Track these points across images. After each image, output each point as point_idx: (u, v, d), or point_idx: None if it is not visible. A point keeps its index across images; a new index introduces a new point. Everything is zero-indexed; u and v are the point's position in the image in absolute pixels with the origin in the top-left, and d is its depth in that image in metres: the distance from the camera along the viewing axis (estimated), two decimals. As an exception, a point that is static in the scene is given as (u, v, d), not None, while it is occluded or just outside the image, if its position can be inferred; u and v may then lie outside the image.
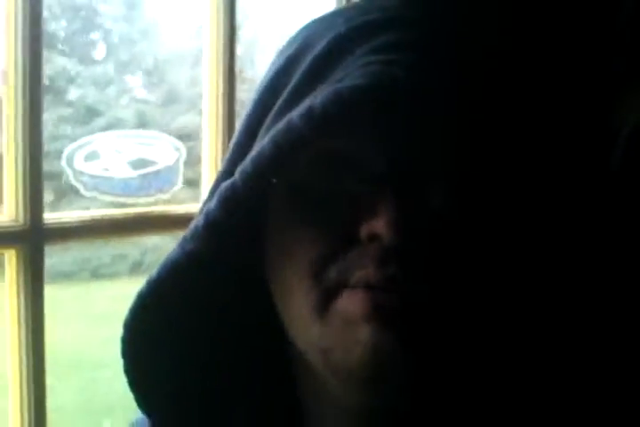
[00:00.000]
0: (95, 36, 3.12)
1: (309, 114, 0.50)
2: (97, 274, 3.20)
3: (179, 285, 0.57)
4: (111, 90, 3.24)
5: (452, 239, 0.53)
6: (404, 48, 0.53)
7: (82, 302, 3.23)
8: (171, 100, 3.24)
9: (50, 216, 1.46)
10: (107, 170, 1.56)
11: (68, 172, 1.53)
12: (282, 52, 0.59)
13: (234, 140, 0.59)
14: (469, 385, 0.58)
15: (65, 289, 3.36)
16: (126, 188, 1.57)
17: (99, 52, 3.15)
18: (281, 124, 0.52)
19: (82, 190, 1.53)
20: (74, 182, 1.52)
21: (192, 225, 0.56)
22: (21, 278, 1.43)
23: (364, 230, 0.51)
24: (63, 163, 1.52)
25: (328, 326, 0.53)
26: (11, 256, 1.43)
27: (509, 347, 0.59)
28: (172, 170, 1.61)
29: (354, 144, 0.53)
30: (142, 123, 3.18)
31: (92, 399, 2.93)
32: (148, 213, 1.58)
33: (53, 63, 3.15)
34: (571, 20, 1.89)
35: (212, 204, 0.54)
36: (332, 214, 0.53)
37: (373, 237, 0.51)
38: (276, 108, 0.55)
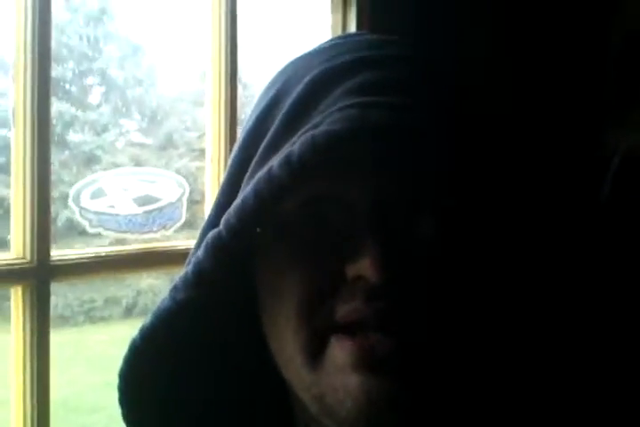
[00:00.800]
0: (91, 80, 3.16)
1: (287, 162, 0.51)
2: (90, 317, 3.18)
3: (172, 332, 0.57)
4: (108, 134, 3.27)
5: (441, 272, 0.53)
6: (380, 88, 0.53)
7: (76, 345, 3.21)
8: (167, 144, 3.27)
9: (56, 253, 1.47)
10: (112, 207, 1.58)
11: (75, 209, 1.54)
12: (262, 96, 0.60)
13: (221, 184, 0.60)
14: (466, 420, 0.58)
15: (59, 333, 3.34)
16: (130, 224, 1.58)
17: (94, 97, 3.18)
18: (262, 173, 0.52)
19: (87, 227, 1.55)
20: (80, 219, 1.53)
21: (182, 274, 0.56)
22: (27, 315, 1.43)
23: (350, 271, 0.51)
24: (70, 201, 1.53)
25: (319, 374, 0.52)
26: (17, 293, 1.43)
27: (505, 381, 0.59)
28: (175, 206, 1.62)
29: (337, 187, 0.53)
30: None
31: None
32: (153, 248, 1.59)
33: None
34: (560, 54, 1.94)
35: (201, 253, 0.54)
36: (320, 256, 0.53)
37: (359, 278, 0.51)
38: (257, 154, 0.56)
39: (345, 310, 0.51)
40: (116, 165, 3.22)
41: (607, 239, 1.60)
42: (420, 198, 0.53)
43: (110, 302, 3.26)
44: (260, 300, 0.57)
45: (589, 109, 1.90)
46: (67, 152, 3.12)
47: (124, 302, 3.43)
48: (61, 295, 3.26)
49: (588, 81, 1.87)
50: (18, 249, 1.44)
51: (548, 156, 1.78)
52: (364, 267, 0.50)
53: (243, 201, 0.52)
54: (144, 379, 0.57)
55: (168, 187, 1.64)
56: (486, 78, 1.71)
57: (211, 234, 0.54)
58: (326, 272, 0.52)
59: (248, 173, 0.56)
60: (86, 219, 1.56)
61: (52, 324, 3.23)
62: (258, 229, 0.55)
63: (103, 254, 1.52)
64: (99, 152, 3.21)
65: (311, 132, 0.51)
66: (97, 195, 1.57)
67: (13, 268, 1.42)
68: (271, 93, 0.58)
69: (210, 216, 0.58)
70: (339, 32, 1.80)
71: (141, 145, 3.22)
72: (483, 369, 0.58)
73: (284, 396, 0.60)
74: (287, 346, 0.54)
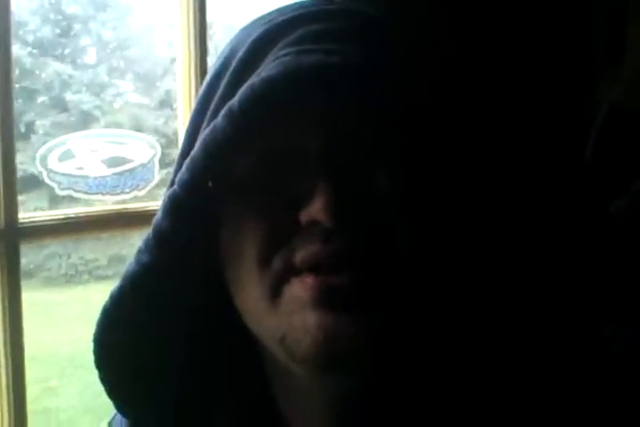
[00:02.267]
0: (86, 41, 3.15)
1: (229, 113, 0.51)
2: (95, 276, 3.22)
3: (140, 295, 0.57)
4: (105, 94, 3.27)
5: (395, 215, 0.53)
6: (317, 38, 0.54)
7: (81, 303, 3.26)
8: (164, 104, 3.27)
9: (24, 215, 1.48)
10: (81, 169, 1.58)
11: (42, 171, 1.55)
12: (214, 63, 0.61)
13: (180, 149, 0.60)
14: (428, 363, 0.58)
15: (64, 291, 3.39)
16: (101, 186, 1.59)
17: (90, 57, 3.18)
18: (209, 128, 0.53)
19: (56, 189, 1.56)
20: (48, 182, 1.54)
21: (145, 236, 0.56)
22: (-3, 277, 1.46)
23: (304, 217, 0.52)
24: (37, 163, 1.54)
25: (280, 315, 0.53)
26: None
27: (463, 323, 0.59)
28: (146, 167, 1.62)
29: (285, 136, 0.53)
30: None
31: (95, 400, 2.95)
32: (121, 210, 1.60)
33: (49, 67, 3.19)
34: (545, 6, 1.89)
35: (159, 213, 0.55)
36: (275, 206, 0.54)
37: (313, 223, 0.51)
38: (208, 113, 0.56)
39: (302, 254, 0.52)
40: (117, 125, 3.23)
41: (590, 197, 1.57)
42: (369, 141, 0.53)
43: (114, 260, 3.29)
44: (222, 257, 0.57)
45: (575, 63, 1.86)
46: (65, 113, 3.13)
47: (127, 261, 3.47)
48: (65, 255, 3.30)
49: (574, 34, 1.82)
50: (-13, 213, 1.45)
51: (527, 109, 1.75)
52: (315, 210, 0.51)
53: (192, 156, 0.53)
54: (117, 342, 0.58)
55: (139, 148, 1.64)
56: (462, 30, 1.68)
57: (167, 194, 0.54)
58: (283, 221, 0.53)
59: (200, 132, 0.56)
60: (55, 181, 1.57)
61: (56, 282, 3.28)
62: (210, 184, 0.55)
63: (72, 216, 1.53)
64: (97, 112, 3.22)
65: (249, 82, 0.52)
66: (65, 157, 1.57)
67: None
68: (221, 59, 0.59)
69: (171, 179, 0.58)
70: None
71: (139, 105, 3.22)
72: (440, 311, 0.58)
73: (255, 355, 0.60)
74: (250, 296, 0.55)
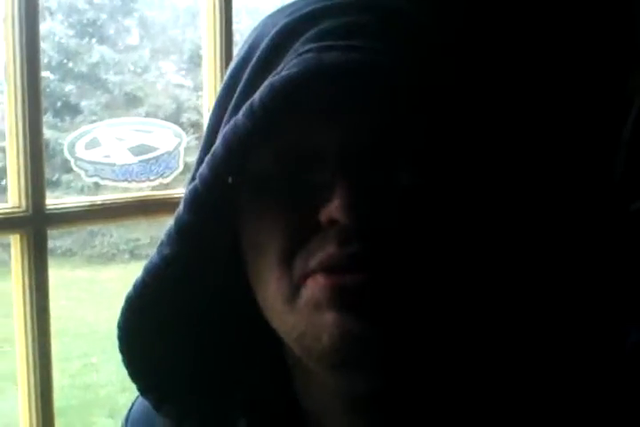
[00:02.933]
0: (130, 22, 3.18)
1: (250, 110, 0.51)
2: (135, 255, 3.28)
3: (162, 286, 0.58)
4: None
5: (418, 216, 0.53)
6: (339, 33, 0.53)
7: (122, 282, 3.33)
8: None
9: (51, 202, 1.52)
10: (108, 157, 1.61)
11: (70, 159, 1.58)
12: (236, 54, 0.61)
13: (202, 140, 0.60)
14: (444, 364, 0.58)
15: (105, 270, 3.46)
16: (127, 173, 1.61)
17: (133, 39, 3.21)
18: (229, 124, 0.53)
19: (83, 177, 1.59)
20: (75, 169, 1.57)
21: (167, 229, 0.57)
22: (26, 262, 1.50)
23: (323, 216, 0.52)
24: (65, 151, 1.57)
25: (298, 314, 0.54)
26: (15, 241, 1.50)
27: (479, 325, 0.59)
28: (172, 155, 1.65)
29: (306, 134, 0.53)
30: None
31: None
32: (147, 197, 1.62)
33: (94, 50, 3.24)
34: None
35: (180, 207, 0.55)
36: (296, 204, 0.54)
37: (332, 222, 0.51)
38: (229, 108, 0.56)
39: (320, 255, 0.52)
40: (158, 107, 3.26)
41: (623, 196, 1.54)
42: (389, 140, 0.53)
43: (155, 240, 3.33)
44: (244, 252, 0.58)
45: (608, 60, 1.81)
46: (107, 95, 3.18)
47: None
48: (107, 235, 3.37)
49: (609, 31, 1.78)
50: (14, 199, 1.49)
51: (564, 100, 1.72)
52: (334, 210, 0.51)
53: (213, 152, 0.53)
54: (140, 330, 0.60)
55: (164, 136, 1.66)
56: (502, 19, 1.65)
57: (188, 188, 0.55)
58: (302, 220, 0.53)
59: (221, 127, 0.56)
60: (82, 169, 1.60)
61: (97, 261, 3.34)
62: (230, 180, 0.55)
63: (98, 203, 1.56)
64: (140, 93, 3.26)
65: (270, 80, 0.52)
66: (92, 145, 1.60)
67: (10, 217, 1.49)
68: (243, 51, 0.59)
69: (194, 168, 0.59)
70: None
71: (180, 86, 3.24)
72: (455, 312, 0.58)
73: (276, 347, 0.61)
74: (271, 294, 0.56)
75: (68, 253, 3.13)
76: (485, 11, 1.69)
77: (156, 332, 0.60)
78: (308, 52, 0.52)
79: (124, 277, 3.29)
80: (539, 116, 1.66)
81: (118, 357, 0.61)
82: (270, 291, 0.55)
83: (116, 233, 3.32)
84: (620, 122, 1.66)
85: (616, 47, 1.76)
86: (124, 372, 0.62)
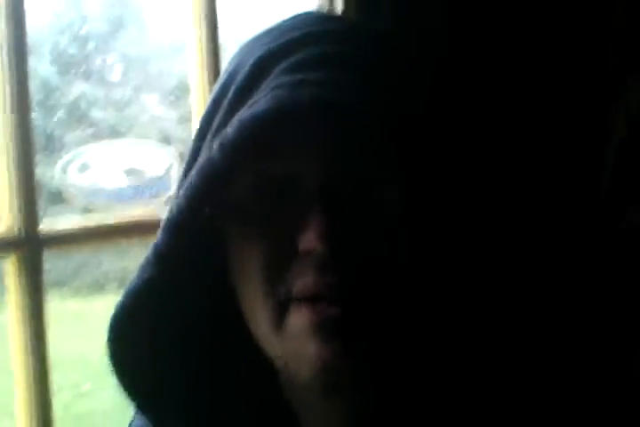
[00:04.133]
0: (111, 59, 3.21)
1: (222, 145, 0.54)
2: (125, 283, 3.25)
3: (143, 308, 0.60)
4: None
5: (393, 245, 0.55)
6: (312, 64, 0.55)
7: (111, 311, 3.29)
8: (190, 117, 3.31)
9: (45, 225, 1.52)
10: (98, 180, 1.62)
11: (61, 183, 1.59)
12: (219, 80, 0.63)
13: (185, 163, 0.63)
14: (427, 380, 0.60)
15: (93, 301, 3.43)
16: (119, 196, 1.62)
17: (115, 75, 3.24)
18: (204, 157, 0.55)
19: (75, 201, 1.59)
20: (67, 194, 1.58)
21: (147, 252, 0.60)
22: (20, 286, 1.49)
23: (301, 245, 0.53)
24: (55, 176, 1.58)
25: (283, 342, 0.56)
26: (9, 265, 1.49)
27: (461, 342, 0.61)
28: (164, 177, 1.66)
29: (282, 164, 0.55)
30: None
31: (128, 403, 2.98)
32: (141, 219, 1.63)
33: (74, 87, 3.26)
34: (559, 15, 1.88)
35: (158, 234, 0.58)
36: (274, 232, 0.56)
37: (309, 251, 0.53)
38: (209, 132, 0.59)
39: (299, 284, 0.54)
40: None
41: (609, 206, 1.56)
42: (365, 169, 0.55)
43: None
44: (230, 275, 0.60)
45: (593, 73, 1.84)
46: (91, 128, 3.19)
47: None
48: (96, 264, 3.35)
49: (591, 44, 1.81)
50: (8, 222, 1.49)
51: (542, 123, 1.74)
52: (310, 239, 0.52)
53: (190, 183, 0.56)
54: (127, 349, 0.61)
55: (156, 158, 1.67)
56: (477, 40, 1.69)
57: (166, 215, 0.58)
58: (282, 248, 0.55)
59: (203, 154, 0.59)
60: (73, 193, 1.60)
61: (86, 291, 3.29)
62: (207, 210, 0.57)
63: (92, 225, 1.56)
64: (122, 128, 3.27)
65: (238, 116, 0.54)
66: (83, 169, 1.61)
67: (3, 240, 1.48)
68: (224, 77, 0.61)
69: (174, 193, 0.63)
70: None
71: (164, 119, 3.26)
72: (439, 342, 0.60)
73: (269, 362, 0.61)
74: (257, 318, 0.57)
75: (57, 285, 3.11)
76: (466, 30, 1.72)
77: (146, 350, 0.62)
78: (278, 87, 0.54)
79: (111, 308, 3.25)
80: (522, 133, 1.69)
81: (109, 385, 0.62)
82: (257, 314, 0.57)
83: (106, 262, 3.30)
84: (601, 150, 1.69)
85: (594, 75, 1.80)
86: (118, 399, 0.62)
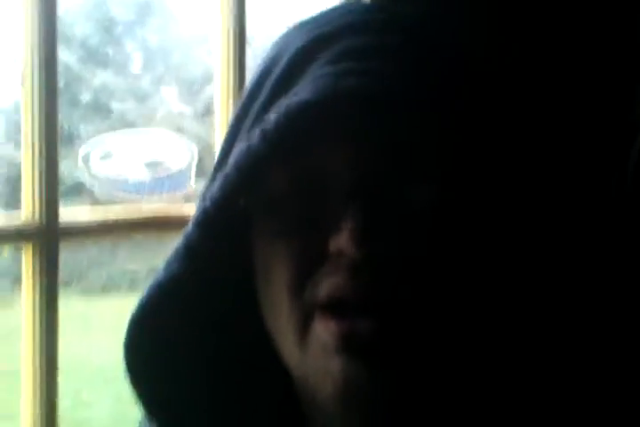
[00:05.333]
0: (131, 48, 3.20)
1: (263, 133, 0.51)
2: (134, 287, 3.23)
3: (168, 304, 0.57)
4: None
5: (428, 249, 0.51)
6: (359, 54, 0.53)
7: (117, 315, 3.26)
8: (207, 112, 3.29)
9: (65, 216, 1.51)
10: (121, 171, 1.60)
11: (84, 171, 1.57)
12: (257, 67, 0.60)
13: (217, 155, 0.60)
14: (453, 406, 0.56)
15: (103, 302, 3.42)
16: (140, 188, 1.60)
17: (135, 65, 3.23)
18: (242, 146, 0.52)
19: (96, 190, 1.58)
20: (89, 181, 1.56)
21: (175, 246, 0.56)
22: (37, 275, 1.48)
23: (332, 246, 0.50)
24: (79, 162, 1.56)
25: (305, 354, 0.52)
26: (27, 253, 1.48)
27: (492, 361, 0.57)
28: (184, 171, 1.64)
29: (320, 158, 0.52)
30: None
31: (126, 413, 2.96)
32: (161, 212, 1.61)
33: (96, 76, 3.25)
34: (584, 18, 1.87)
35: (190, 226, 0.55)
36: (307, 229, 0.53)
37: (341, 253, 0.50)
38: (245, 122, 0.56)
39: (328, 286, 0.51)
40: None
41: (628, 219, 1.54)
42: (404, 168, 0.52)
43: (152, 273, 3.29)
44: (255, 275, 0.57)
45: (621, 72, 1.82)
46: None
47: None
48: (104, 265, 3.33)
49: (620, 42, 1.79)
50: (28, 212, 1.48)
51: (573, 121, 1.72)
52: (343, 240, 0.50)
53: (225, 174, 0.53)
54: (147, 349, 0.58)
55: (178, 152, 1.66)
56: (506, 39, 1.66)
57: (198, 207, 0.54)
58: (314, 248, 0.52)
59: (238, 142, 0.56)
60: (94, 182, 1.59)
61: (92, 293, 3.28)
62: (241, 202, 0.54)
63: (112, 218, 1.55)
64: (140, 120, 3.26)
65: (286, 102, 0.51)
66: (105, 157, 1.59)
67: (23, 229, 1.47)
68: (263, 64, 0.58)
69: (209, 180, 0.58)
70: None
71: (181, 114, 3.25)
72: (471, 362, 0.56)
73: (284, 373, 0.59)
74: (281, 324, 0.54)
75: (62, 285, 3.10)
76: (502, 32, 1.71)
77: (164, 351, 0.58)
78: (323, 76, 0.52)
79: (120, 311, 3.22)
80: (550, 134, 1.67)
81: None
82: (281, 321, 0.54)
83: (114, 264, 3.29)
84: (626, 147, 1.67)
85: (620, 72, 1.78)
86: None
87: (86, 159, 1.53)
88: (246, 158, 0.51)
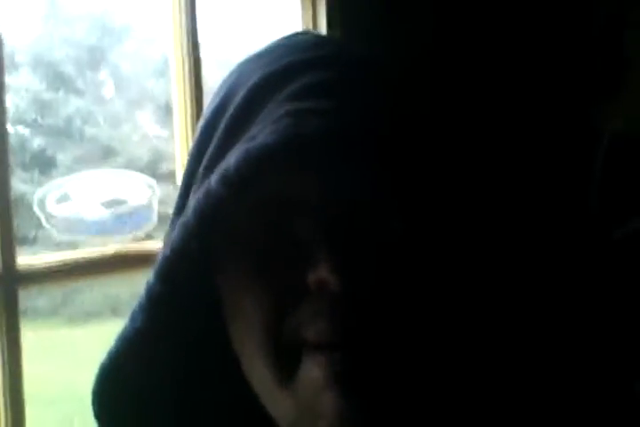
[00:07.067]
0: (103, 75, 3.19)
1: (224, 178, 0.50)
2: (117, 312, 3.22)
3: (137, 356, 0.56)
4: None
5: (409, 276, 0.51)
6: (316, 92, 0.52)
7: (102, 341, 3.25)
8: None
9: (23, 261, 1.48)
10: (79, 212, 1.58)
11: (40, 215, 1.55)
12: (210, 102, 0.59)
13: (177, 197, 0.59)
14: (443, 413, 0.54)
15: (87, 328, 3.40)
16: (100, 228, 1.58)
17: (108, 91, 3.21)
18: (201, 190, 0.51)
19: (55, 233, 1.55)
20: (46, 226, 1.53)
21: (139, 297, 0.55)
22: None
23: (311, 278, 0.49)
24: (35, 207, 1.54)
25: (293, 395, 0.50)
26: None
27: (481, 381, 0.56)
28: (145, 208, 1.62)
29: (284, 187, 0.52)
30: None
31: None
32: (122, 251, 1.58)
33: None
34: (546, 30, 1.86)
35: (151, 276, 0.53)
36: (278, 266, 0.51)
37: (322, 286, 0.49)
38: (202, 165, 0.55)
39: (312, 328, 0.49)
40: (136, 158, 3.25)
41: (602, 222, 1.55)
42: (374, 203, 0.51)
43: (136, 296, 3.27)
44: (226, 318, 0.55)
45: (577, 89, 1.83)
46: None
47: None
48: (87, 292, 3.32)
49: (576, 59, 1.80)
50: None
51: (534, 138, 1.73)
52: (322, 272, 0.49)
53: (185, 222, 0.51)
54: (117, 396, 0.57)
55: (137, 189, 1.63)
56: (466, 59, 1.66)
57: (159, 255, 0.53)
58: (288, 283, 0.51)
59: (193, 188, 0.55)
60: (53, 225, 1.56)
61: (77, 320, 3.26)
62: (203, 247, 0.53)
63: (73, 259, 1.52)
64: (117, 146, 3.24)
65: (246, 146, 0.50)
66: (63, 200, 1.57)
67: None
68: (217, 100, 0.57)
69: (168, 229, 0.58)
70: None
71: (157, 137, 3.24)
72: (464, 389, 0.55)
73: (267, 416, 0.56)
74: (257, 364, 0.52)
75: (46, 313, 3.07)
76: (457, 53, 1.70)
77: (133, 401, 0.57)
78: (285, 116, 0.51)
79: (105, 336, 3.21)
80: (509, 151, 1.67)
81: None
82: (257, 360, 0.52)
83: (97, 290, 3.27)
84: (589, 154, 1.67)
85: (577, 82, 1.78)
86: None
87: (42, 204, 1.51)
88: (206, 204, 0.50)
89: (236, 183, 0.49)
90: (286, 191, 0.52)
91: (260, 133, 0.51)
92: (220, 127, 0.55)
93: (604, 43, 1.75)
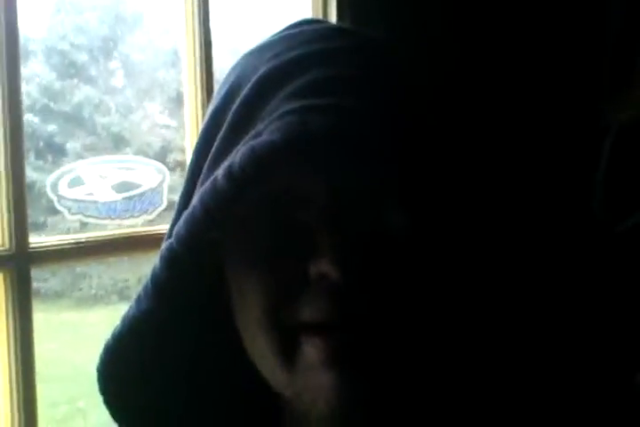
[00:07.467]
0: (115, 64, 3.21)
1: (230, 174, 0.51)
2: (124, 296, 3.25)
3: (141, 337, 0.57)
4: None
5: (407, 268, 0.52)
6: (324, 88, 0.53)
7: (110, 324, 3.27)
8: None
9: (35, 240, 1.51)
10: (91, 194, 1.61)
11: (53, 197, 1.58)
12: (217, 93, 0.60)
13: (182, 189, 0.60)
14: (443, 402, 0.57)
15: (95, 312, 3.43)
16: (111, 210, 1.61)
17: (118, 80, 3.24)
18: (207, 184, 0.52)
19: (66, 215, 1.58)
20: (58, 207, 1.57)
21: (144, 283, 0.56)
22: (9, 301, 1.48)
23: (313, 270, 0.51)
24: (47, 189, 1.57)
25: (293, 373, 0.52)
26: (-1, 281, 1.48)
27: (480, 370, 0.58)
28: (155, 192, 1.65)
29: (289, 181, 0.53)
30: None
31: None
32: (132, 234, 1.62)
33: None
34: (557, 28, 1.87)
35: (157, 264, 0.55)
36: (281, 256, 0.53)
37: (322, 277, 0.51)
38: (208, 158, 0.56)
39: (311, 311, 0.51)
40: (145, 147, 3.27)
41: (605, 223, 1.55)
42: (379, 197, 0.53)
43: (143, 280, 3.30)
44: (230, 302, 0.57)
45: (586, 83, 1.83)
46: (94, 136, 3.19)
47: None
48: (95, 276, 3.35)
49: (585, 54, 1.80)
50: (-2, 238, 1.48)
51: (541, 135, 1.73)
52: (324, 264, 0.50)
53: (191, 213, 0.53)
54: (121, 376, 0.59)
55: (147, 173, 1.66)
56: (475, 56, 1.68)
57: (165, 245, 0.55)
58: (290, 273, 0.52)
59: (200, 178, 0.56)
60: (65, 206, 1.59)
61: (85, 303, 3.30)
62: (209, 238, 0.55)
63: (83, 240, 1.55)
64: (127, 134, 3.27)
65: (251, 143, 0.51)
66: (75, 183, 1.60)
67: (-7, 256, 1.47)
68: (223, 91, 0.58)
69: (177, 208, 0.59)
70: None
71: (167, 127, 3.26)
72: (456, 371, 0.57)
73: (268, 396, 0.59)
74: (260, 347, 0.54)
75: (55, 296, 3.10)
76: (473, 52, 1.71)
77: (135, 379, 0.59)
78: (290, 113, 0.52)
79: (112, 319, 3.23)
80: (517, 148, 1.68)
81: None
82: (260, 345, 0.54)
83: (105, 274, 3.30)
84: (596, 148, 1.68)
85: (588, 76, 1.79)
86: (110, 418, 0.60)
87: (54, 187, 1.54)
88: (212, 199, 0.52)
89: (241, 180, 0.51)
90: (291, 187, 0.53)
91: (266, 130, 0.52)
92: (228, 119, 0.55)
93: (614, 38, 1.75)
